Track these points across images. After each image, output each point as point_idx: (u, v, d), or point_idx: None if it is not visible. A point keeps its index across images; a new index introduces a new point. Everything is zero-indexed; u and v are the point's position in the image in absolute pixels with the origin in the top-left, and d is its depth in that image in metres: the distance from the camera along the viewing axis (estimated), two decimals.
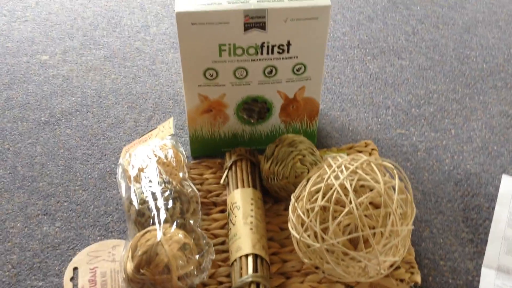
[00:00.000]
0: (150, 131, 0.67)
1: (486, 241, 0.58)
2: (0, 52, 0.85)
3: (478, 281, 0.55)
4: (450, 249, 0.58)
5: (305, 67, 0.61)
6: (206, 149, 0.68)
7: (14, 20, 0.93)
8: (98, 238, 0.59)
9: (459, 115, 0.75)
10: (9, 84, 0.79)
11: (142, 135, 0.70)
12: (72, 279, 0.55)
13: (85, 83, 0.80)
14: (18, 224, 0.60)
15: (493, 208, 0.62)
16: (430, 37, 0.90)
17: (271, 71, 0.61)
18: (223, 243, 0.57)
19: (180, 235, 0.51)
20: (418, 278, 0.54)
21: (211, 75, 0.61)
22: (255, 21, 0.56)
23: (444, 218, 0.61)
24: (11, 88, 0.78)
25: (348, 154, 0.67)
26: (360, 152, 0.67)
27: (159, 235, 0.50)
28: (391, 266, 0.52)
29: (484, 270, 0.55)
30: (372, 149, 0.67)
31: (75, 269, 0.56)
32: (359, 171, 0.50)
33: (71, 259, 0.57)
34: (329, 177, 0.50)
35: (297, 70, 0.61)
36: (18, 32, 0.90)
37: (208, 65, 0.60)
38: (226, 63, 0.60)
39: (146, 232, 0.51)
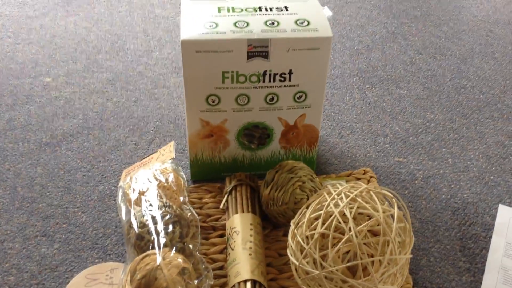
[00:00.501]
0: (150, 154, 0.68)
1: (483, 270, 0.59)
2: (4, 73, 0.86)
3: None
4: (448, 278, 0.58)
5: (306, 95, 0.62)
6: (206, 173, 0.68)
7: (19, 42, 0.94)
8: (96, 260, 0.59)
9: (456, 145, 0.76)
10: (12, 105, 0.80)
11: (143, 158, 0.70)
12: None
13: (87, 106, 0.80)
14: (17, 245, 0.60)
15: (490, 237, 0.62)
16: (428, 67, 0.91)
17: (273, 98, 0.62)
18: (221, 268, 0.57)
19: (180, 259, 0.51)
20: None
21: (213, 101, 0.62)
22: (258, 50, 0.58)
23: (442, 246, 0.61)
24: (13, 109, 0.79)
25: (347, 181, 0.67)
26: (358, 179, 0.68)
27: (159, 259, 0.50)
28: None
29: None
30: (371, 177, 0.68)
31: None
32: (359, 199, 0.50)
33: (68, 281, 0.56)
34: (329, 204, 0.51)
35: (298, 98, 0.62)
36: (22, 54, 0.91)
37: (210, 91, 0.61)
38: (228, 90, 0.61)
39: (145, 256, 0.51)
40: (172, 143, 0.65)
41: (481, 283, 0.57)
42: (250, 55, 0.58)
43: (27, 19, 1.01)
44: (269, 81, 0.60)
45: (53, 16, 1.02)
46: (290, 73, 0.60)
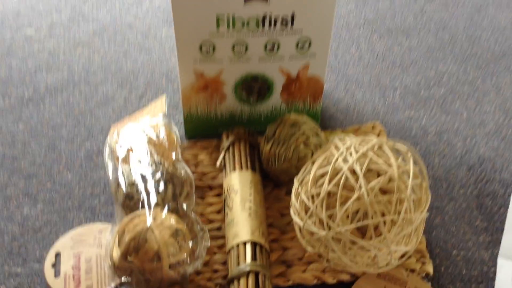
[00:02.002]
0: (141, 109, 0.63)
1: (502, 229, 0.54)
2: None
3: (494, 272, 0.51)
4: (464, 237, 0.54)
5: (310, 42, 0.56)
6: (201, 130, 0.63)
7: None
8: (84, 221, 0.54)
9: (471, 98, 0.70)
10: None
11: (133, 114, 0.65)
12: (54, 265, 0.50)
13: (72, 59, 0.75)
14: None
15: (509, 194, 0.58)
16: (439, 17, 0.85)
17: (273, 46, 0.56)
18: (219, 228, 0.53)
19: (172, 220, 0.46)
20: (430, 269, 0.50)
21: (207, 50, 0.56)
22: None
23: (457, 205, 0.57)
24: None
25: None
26: (367, 134, 0.63)
27: (149, 220, 0.45)
28: (402, 256, 0.47)
29: (500, 261, 0.51)
30: (380, 132, 0.63)
31: (58, 254, 0.51)
32: (370, 153, 0.46)
33: (53, 244, 0.52)
34: (337, 159, 0.46)
35: (301, 46, 0.57)
36: (3, 4, 0.84)
37: (204, 38, 0.55)
38: (224, 37, 0.55)
39: (134, 217, 0.46)
40: (163, 97, 0.59)
41: (499, 243, 0.53)
42: None
43: None
44: (269, 26, 0.54)
45: None
46: (293, 16, 0.54)
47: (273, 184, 0.57)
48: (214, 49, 0.56)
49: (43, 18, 0.82)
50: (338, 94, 0.70)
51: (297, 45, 0.57)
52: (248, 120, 0.63)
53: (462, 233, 0.54)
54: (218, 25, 0.54)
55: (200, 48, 0.56)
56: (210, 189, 0.57)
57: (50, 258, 0.51)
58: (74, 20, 0.81)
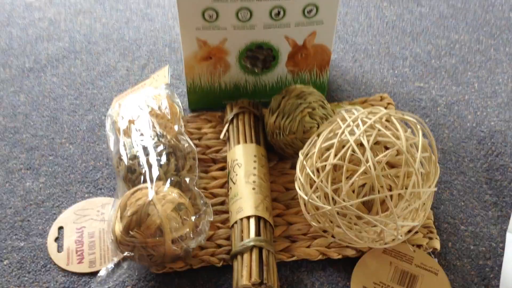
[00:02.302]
0: (143, 80, 0.61)
1: (511, 204, 0.53)
2: None
3: (502, 248, 0.50)
4: (472, 212, 0.53)
5: (317, 8, 0.54)
6: (205, 101, 0.62)
7: None
8: (86, 195, 0.54)
9: (483, 68, 0.68)
10: None
11: (135, 85, 0.64)
12: (57, 239, 0.50)
13: (73, 28, 0.73)
14: None
15: None
16: None
17: (279, 12, 0.54)
18: (222, 203, 0.52)
19: (175, 194, 0.45)
20: (437, 244, 0.49)
21: (210, 17, 0.54)
22: None
23: (466, 179, 0.55)
24: None
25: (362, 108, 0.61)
26: (375, 106, 0.61)
27: (151, 193, 0.44)
28: (409, 231, 0.47)
29: (509, 236, 0.50)
30: (388, 103, 0.61)
31: (60, 228, 0.51)
32: (378, 126, 0.44)
33: (56, 218, 0.52)
34: (343, 132, 0.45)
35: (308, 12, 0.54)
36: None
37: (207, 4, 0.53)
38: (227, 3, 0.53)
39: (136, 190, 0.45)
40: (166, 67, 0.58)
41: (509, 217, 0.52)
42: None
43: None
44: None
45: None
46: None
47: (278, 157, 0.56)
48: (217, 15, 0.54)
49: None
50: (346, 64, 0.68)
51: (304, 11, 0.54)
52: (253, 90, 0.62)
53: (470, 208, 0.53)
54: None
55: (203, 14, 0.54)
56: (213, 162, 0.56)
57: (53, 233, 0.50)
58: None
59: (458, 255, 0.49)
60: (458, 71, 0.67)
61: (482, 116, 0.62)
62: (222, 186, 0.54)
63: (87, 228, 0.51)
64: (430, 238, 0.49)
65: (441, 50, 0.70)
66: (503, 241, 0.50)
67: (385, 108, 0.61)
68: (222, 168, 0.55)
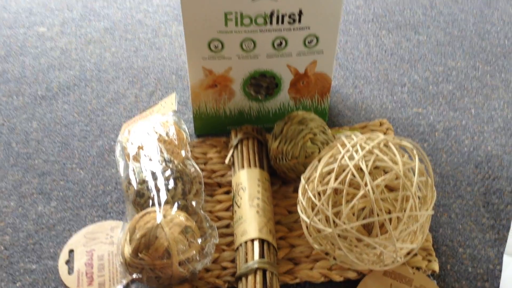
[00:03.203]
0: (151, 107, 0.64)
1: (508, 227, 0.55)
2: None
3: (500, 270, 0.51)
4: (470, 235, 0.54)
5: (317, 39, 0.57)
6: (210, 127, 0.64)
7: None
8: (96, 219, 0.56)
9: (480, 94, 0.70)
10: (5, 56, 0.75)
11: (143, 111, 0.66)
12: (67, 262, 0.52)
13: (84, 56, 0.76)
14: (12, 203, 0.57)
15: None
16: (449, 11, 0.85)
17: (281, 43, 0.57)
18: (227, 226, 0.54)
19: (182, 217, 0.47)
20: (436, 266, 0.50)
21: (216, 47, 0.56)
22: None
23: (464, 202, 0.57)
24: (7, 61, 0.75)
25: (362, 134, 0.63)
26: (374, 131, 0.63)
27: (159, 217, 0.46)
28: (408, 253, 0.48)
29: (506, 258, 0.51)
30: (387, 129, 0.63)
31: (71, 251, 0.53)
32: (376, 151, 0.46)
33: (66, 241, 0.53)
34: (343, 157, 0.47)
35: (308, 43, 0.57)
36: (15, 2, 0.86)
37: (213, 35, 0.55)
38: (232, 34, 0.55)
39: (145, 214, 0.47)
40: (173, 94, 0.60)
41: (505, 240, 0.53)
42: None
43: None
44: (277, 23, 0.55)
45: None
46: (300, 14, 0.54)
47: (281, 181, 0.58)
48: (222, 46, 0.56)
49: (55, 16, 0.83)
50: (346, 90, 0.71)
51: (305, 41, 0.57)
52: (257, 117, 0.64)
53: (468, 231, 0.54)
54: (226, 22, 0.54)
55: (209, 45, 0.56)
56: (219, 186, 0.58)
57: (63, 255, 0.52)
58: (86, 18, 0.83)
59: (457, 277, 0.51)
60: (455, 97, 0.70)
61: (479, 141, 0.64)
62: (227, 209, 0.56)
63: (96, 251, 0.52)
64: (429, 261, 0.51)
65: (438, 77, 0.73)
66: (501, 263, 0.52)
67: (385, 133, 0.63)
68: (227, 192, 0.57)
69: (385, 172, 0.49)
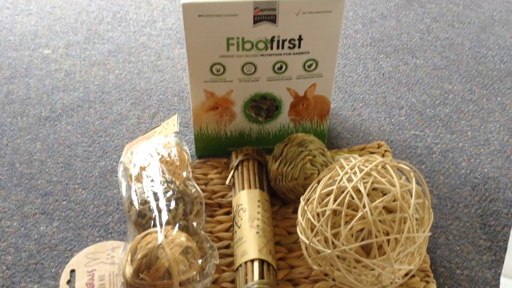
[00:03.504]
0: (153, 128, 0.65)
1: (505, 249, 0.55)
2: (2, 46, 0.83)
3: None
4: (467, 257, 0.55)
5: (316, 63, 0.58)
6: (211, 148, 0.65)
7: (18, 13, 0.91)
8: (97, 239, 0.56)
9: (476, 117, 0.71)
10: (10, 78, 0.77)
11: (146, 133, 0.67)
12: (69, 282, 0.52)
13: (88, 78, 0.77)
14: (15, 223, 0.57)
15: None
16: (445, 36, 0.87)
17: (281, 67, 0.58)
18: (227, 246, 0.55)
19: (183, 238, 0.48)
20: None
21: (218, 71, 0.58)
22: (265, 13, 0.54)
23: (461, 224, 0.58)
24: (12, 82, 0.76)
25: (360, 156, 0.64)
26: (372, 153, 0.64)
27: (160, 237, 0.47)
28: (406, 274, 0.49)
29: (503, 280, 0.52)
30: (385, 151, 0.64)
31: (72, 271, 0.53)
32: (374, 173, 0.47)
33: (68, 261, 0.54)
34: (341, 179, 0.47)
35: (308, 67, 0.59)
36: (21, 25, 0.88)
37: (215, 59, 0.57)
38: (234, 58, 0.57)
39: (146, 234, 0.48)
40: (175, 116, 0.61)
41: (502, 262, 0.54)
42: (257, 19, 0.54)
43: None
44: (277, 48, 0.56)
45: None
46: (300, 39, 0.56)
47: (281, 202, 0.59)
48: (224, 69, 0.58)
49: (60, 38, 0.85)
50: (345, 113, 0.72)
51: (304, 65, 0.58)
52: (257, 138, 0.65)
53: (466, 253, 0.55)
54: (228, 47, 0.56)
55: (211, 69, 0.58)
56: (219, 207, 0.59)
57: (65, 275, 0.52)
58: (90, 41, 0.84)
59: None
60: (452, 120, 0.71)
61: (476, 163, 0.65)
62: (227, 230, 0.56)
63: (98, 271, 0.53)
64: (427, 282, 0.51)
65: (435, 100, 0.74)
66: (498, 285, 0.52)
67: (382, 155, 0.64)
68: (228, 213, 0.58)
69: (383, 194, 0.50)
